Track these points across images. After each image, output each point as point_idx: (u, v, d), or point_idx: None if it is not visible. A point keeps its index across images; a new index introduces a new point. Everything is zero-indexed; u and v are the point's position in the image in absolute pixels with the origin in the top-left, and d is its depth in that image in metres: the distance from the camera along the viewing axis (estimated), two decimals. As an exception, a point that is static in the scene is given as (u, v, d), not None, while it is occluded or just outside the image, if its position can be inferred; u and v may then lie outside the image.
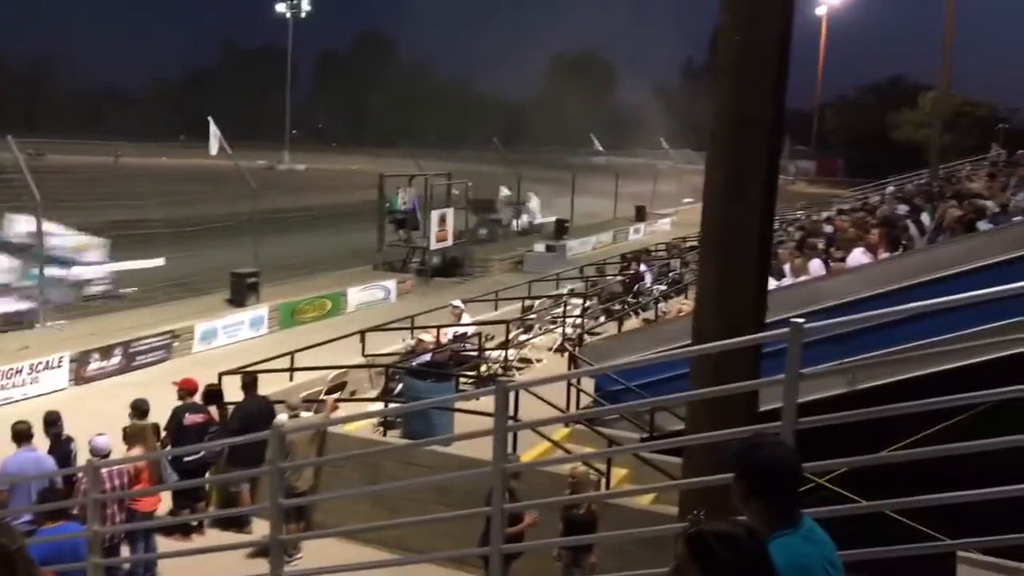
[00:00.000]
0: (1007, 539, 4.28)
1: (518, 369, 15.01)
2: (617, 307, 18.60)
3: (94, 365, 16.16)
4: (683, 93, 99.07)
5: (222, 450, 10.16)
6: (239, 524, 10.30)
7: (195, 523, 10.12)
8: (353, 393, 13.34)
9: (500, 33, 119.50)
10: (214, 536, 10.10)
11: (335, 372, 13.06)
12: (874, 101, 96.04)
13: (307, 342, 15.11)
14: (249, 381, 10.88)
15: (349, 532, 8.83)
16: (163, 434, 9.97)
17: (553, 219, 38.29)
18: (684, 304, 15.44)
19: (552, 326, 17.10)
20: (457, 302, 16.07)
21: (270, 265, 22.82)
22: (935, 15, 36.91)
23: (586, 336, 15.18)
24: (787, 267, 12.05)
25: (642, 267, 21.82)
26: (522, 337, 16.00)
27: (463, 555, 7.60)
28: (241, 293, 20.70)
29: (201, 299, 21.12)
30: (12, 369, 14.75)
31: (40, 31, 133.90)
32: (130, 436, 9.28)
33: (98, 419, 10.69)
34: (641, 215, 46.10)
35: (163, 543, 9.54)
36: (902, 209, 17.82)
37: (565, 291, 20.22)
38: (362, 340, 14.75)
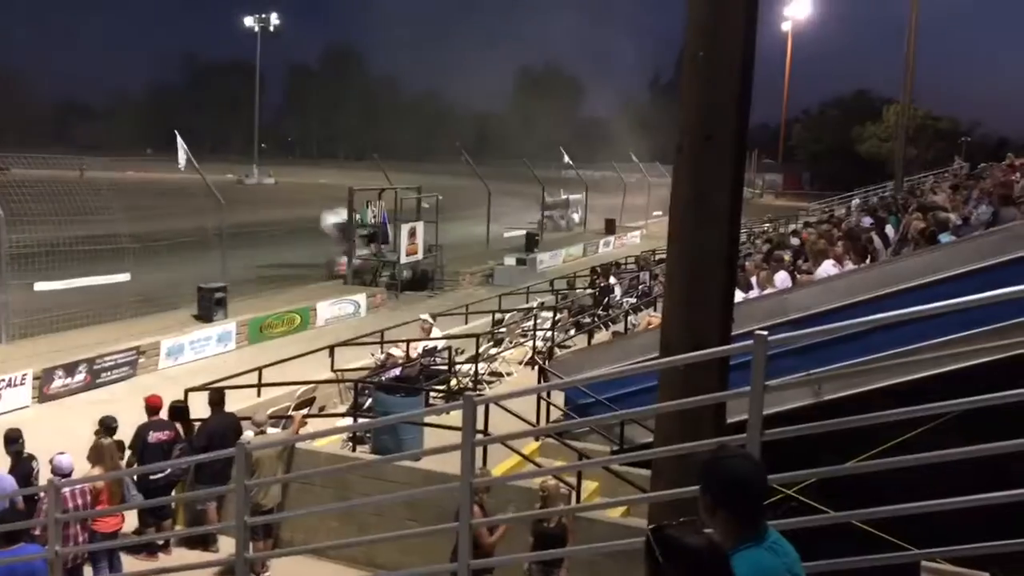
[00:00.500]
0: (972, 548, 4.32)
1: (488, 383, 14.99)
2: (587, 320, 18.66)
3: (58, 382, 15.91)
4: (652, 107, 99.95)
5: (188, 467, 10.05)
6: (206, 542, 10.19)
7: (161, 542, 9.97)
8: (322, 409, 13.26)
9: (469, 48, 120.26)
10: (181, 555, 9.97)
11: (304, 388, 12.97)
12: (839, 115, 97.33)
13: (276, 357, 14.98)
14: (216, 398, 10.76)
15: (318, 549, 8.75)
16: (127, 452, 9.83)
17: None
18: (653, 316, 15.51)
19: (522, 339, 17.10)
20: (426, 316, 16.01)
21: (238, 280, 22.64)
22: (898, 31, 37.53)
23: (556, 349, 15.21)
24: (754, 279, 12.16)
25: (612, 280, 21.91)
26: (492, 351, 15.98)
27: (432, 571, 7.54)
28: (208, 308, 20.48)
29: (168, 314, 20.89)
30: (-27, 387, 14.49)
31: (3, 45, 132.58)
32: (92, 454, 9.14)
33: (62, 437, 10.53)
34: (611, 228, 46.33)
35: (129, 563, 9.38)
36: (867, 221, 18.05)
37: (535, 304, 20.24)
38: (331, 355, 14.66)
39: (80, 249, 19.54)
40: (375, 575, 9.36)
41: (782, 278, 11.92)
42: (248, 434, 10.09)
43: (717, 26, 4.86)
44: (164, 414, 10.43)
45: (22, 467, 9.04)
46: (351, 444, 11.29)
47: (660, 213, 47.04)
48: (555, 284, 24.75)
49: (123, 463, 9.56)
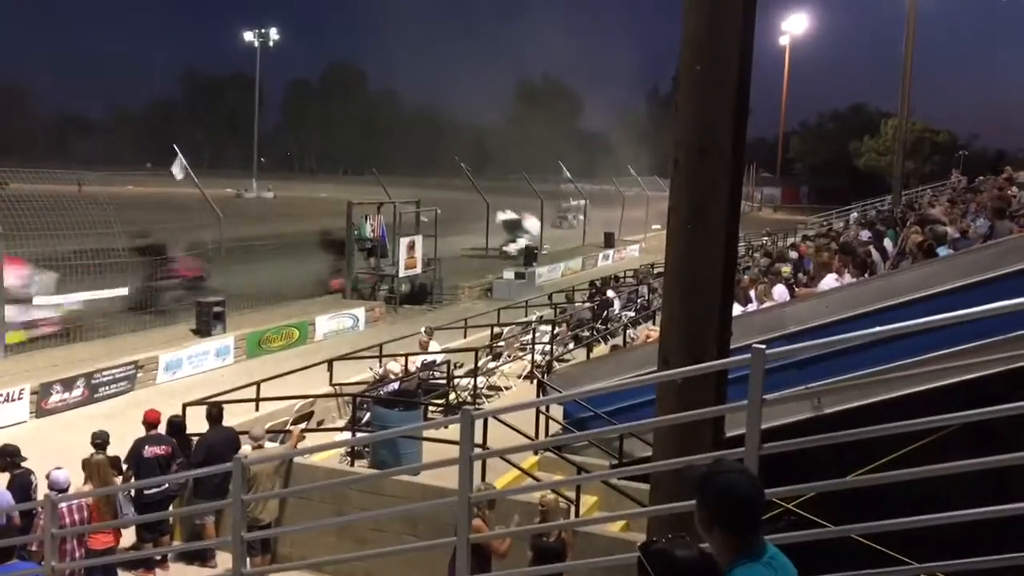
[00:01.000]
0: (974, 562, 4.30)
1: (487, 397, 14.97)
2: (586, 333, 18.65)
3: (56, 397, 15.87)
4: (650, 120, 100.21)
5: (186, 482, 10.02)
6: (203, 558, 10.14)
7: (158, 557, 9.93)
8: (320, 423, 13.23)
9: (468, 61, 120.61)
10: (178, 570, 9.94)
11: (302, 402, 12.95)
12: (837, 128, 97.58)
13: (274, 371, 14.97)
14: (214, 412, 10.74)
15: (316, 564, 8.71)
16: (124, 467, 9.80)
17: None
18: (652, 330, 15.51)
19: (521, 353, 17.09)
20: (424, 330, 16.04)
21: (237, 293, 22.64)
22: (895, 44, 37.65)
23: (555, 363, 15.20)
24: (752, 293, 12.16)
25: (611, 293, 21.92)
26: (491, 364, 15.97)
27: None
28: (207, 322, 20.47)
29: (166, 329, 20.88)
30: (-29, 402, 14.46)
31: (3, 60, 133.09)
32: (85, 470, 9.13)
33: (60, 452, 10.51)
34: (610, 241, 46.37)
35: (125, 579, 9.35)
36: (865, 235, 18.07)
37: (534, 318, 20.24)
38: (330, 369, 14.64)
39: (79, 263, 19.54)
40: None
41: (780, 291, 11.93)
42: (246, 448, 10.07)
43: (713, 40, 4.87)
44: (162, 428, 10.40)
45: (20, 482, 9.02)
46: (349, 458, 11.27)
47: (659, 226, 47.09)
48: (554, 298, 24.75)
49: (119, 479, 9.52)
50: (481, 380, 14.91)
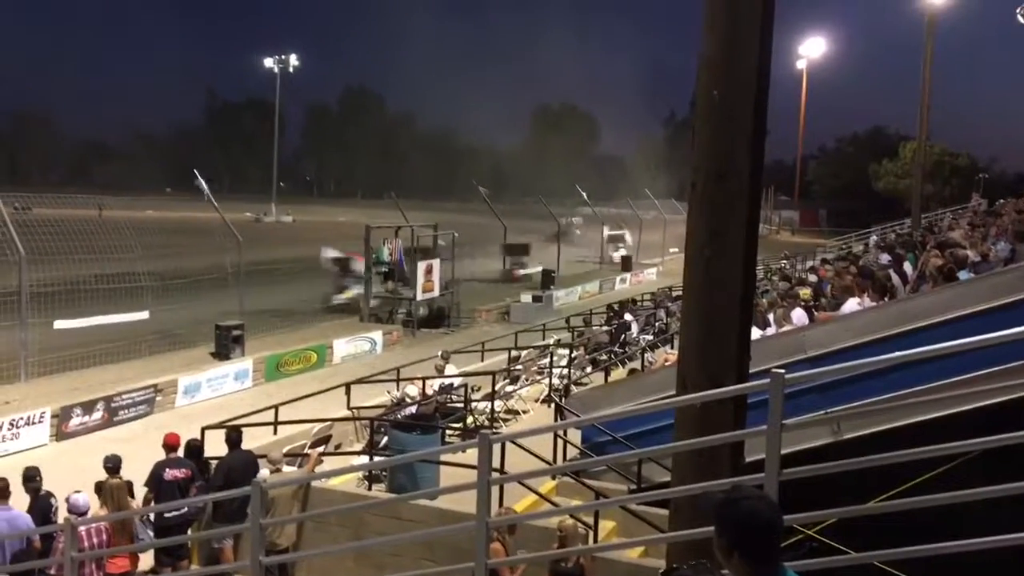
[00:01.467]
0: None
1: (505, 420, 14.94)
2: (603, 357, 18.58)
3: (76, 420, 15.96)
4: (667, 144, 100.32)
5: (204, 505, 10.03)
6: (221, 582, 10.13)
7: (177, 581, 9.92)
8: (338, 446, 13.23)
9: (486, 86, 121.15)
10: (195, 594, 9.92)
11: (320, 425, 12.95)
12: (855, 152, 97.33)
13: (292, 395, 15.01)
14: (234, 436, 10.76)
15: (333, 589, 8.68)
16: (144, 490, 9.83)
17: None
18: (670, 354, 15.43)
19: (539, 377, 17.05)
20: (441, 354, 16.09)
21: (255, 317, 22.75)
22: (913, 67, 37.62)
23: (573, 387, 15.14)
24: (771, 316, 12.10)
25: (628, 317, 21.86)
26: (508, 388, 15.94)
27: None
28: (226, 346, 20.59)
29: (185, 352, 21.00)
30: (-8, 425, 14.56)
31: (25, 86, 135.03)
32: (100, 494, 9.17)
33: (79, 475, 10.56)
34: (627, 265, 46.33)
35: (144, 602, 9.35)
36: (885, 258, 17.97)
37: (551, 341, 20.20)
38: (347, 392, 14.66)
39: (99, 287, 19.73)
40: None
41: (799, 315, 11.85)
42: (264, 472, 10.07)
43: (730, 64, 4.89)
44: (181, 452, 10.43)
45: (40, 505, 9.06)
46: (367, 482, 11.25)
47: (676, 250, 47.06)
48: (571, 321, 24.72)
49: (135, 502, 9.54)
50: (498, 404, 14.88)
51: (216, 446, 11.00)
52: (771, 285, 20.02)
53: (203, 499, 9.72)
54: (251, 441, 11.36)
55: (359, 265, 30.59)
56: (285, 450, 11.20)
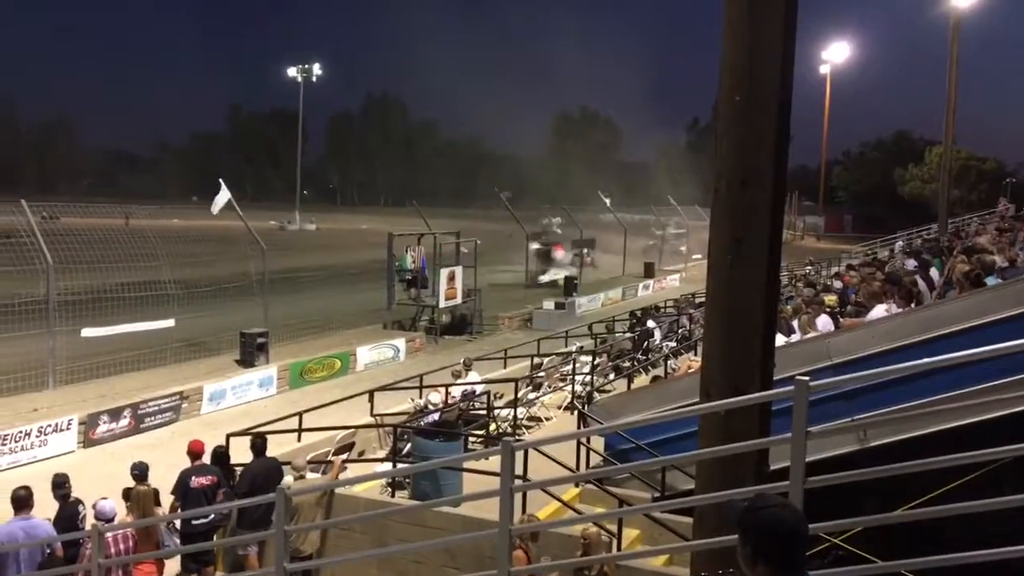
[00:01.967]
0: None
1: (527, 428, 14.92)
2: (626, 364, 18.53)
3: (103, 427, 16.12)
4: (690, 150, 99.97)
5: (229, 512, 10.08)
6: (246, 589, 10.16)
7: (202, 588, 9.97)
8: (361, 454, 13.27)
9: (508, 93, 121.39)
10: (221, 601, 9.97)
11: (343, 432, 13.00)
12: (880, 157, 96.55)
13: (316, 402, 15.07)
14: (258, 443, 10.82)
15: (357, 596, 8.70)
16: (171, 498, 9.89)
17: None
18: (694, 361, 15.36)
19: (561, 384, 17.02)
20: (464, 361, 16.11)
21: (280, 325, 22.87)
22: (938, 72, 37.32)
23: (595, 394, 15.10)
24: (795, 323, 12.01)
25: (651, 324, 21.78)
26: (531, 395, 15.92)
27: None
28: (250, 353, 20.72)
29: (210, 360, 21.15)
30: (21, 432, 14.72)
31: (51, 96, 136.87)
32: (128, 501, 9.24)
33: (106, 482, 10.66)
34: (650, 271, 46.18)
35: (170, 608, 9.41)
36: (911, 264, 17.81)
37: (574, 348, 20.16)
38: (370, 400, 14.71)
39: (126, 296, 19.91)
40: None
41: (824, 322, 11.75)
42: (288, 479, 10.12)
43: (753, 68, 4.86)
44: (207, 459, 10.49)
45: (68, 512, 9.14)
46: (390, 490, 11.27)
47: (699, 256, 46.84)
48: (594, 328, 24.66)
49: (161, 509, 9.61)
50: (521, 411, 14.87)
51: (241, 453, 11.06)
52: (795, 291, 19.88)
53: (228, 506, 9.78)
54: (275, 448, 11.42)
55: (559, 254, 42.23)
56: (309, 457, 11.26)
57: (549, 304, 33.14)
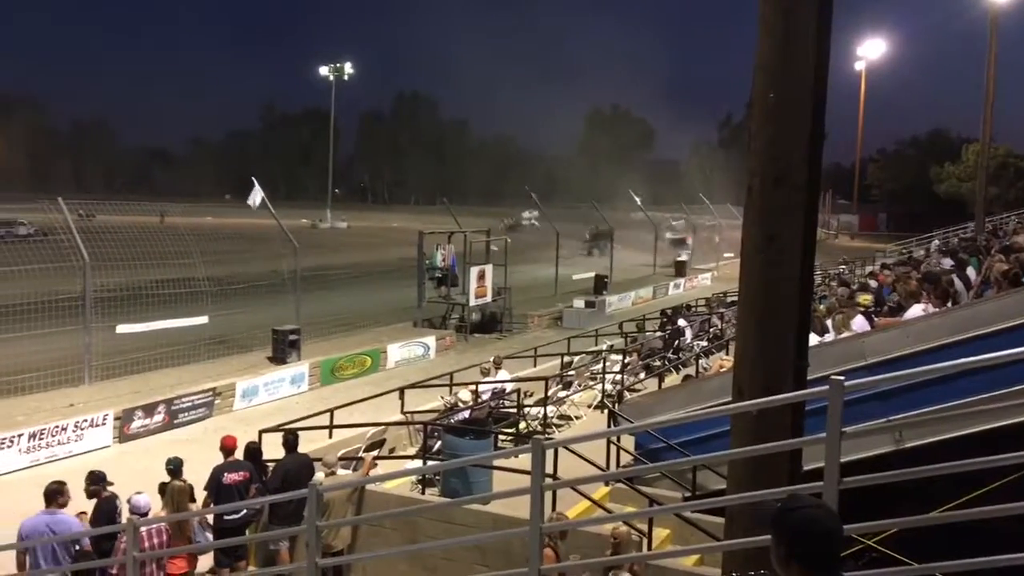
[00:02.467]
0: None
1: (557, 426, 14.90)
2: (657, 363, 18.45)
3: (137, 423, 16.32)
4: (723, 148, 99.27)
5: (262, 508, 10.16)
6: (278, 584, 10.24)
7: (235, 582, 10.06)
8: (392, 450, 13.32)
9: (538, 91, 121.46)
10: (253, 596, 10.04)
11: (374, 429, 13.06)
12: (916, 154, 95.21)
13: (347, 399, 15.16)
14: (290, 439, 10.90)
15: (387, 592, 8.73)
16: (204, 493, 9.99)
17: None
18: (725, 360, 15.25)
19: (592, 382, 16.99)
20: (493, 359, 16.13)
21: (311, 322, 23.03)
22: (975, 69, 36.79)
23: (626, 392, 15.05)
24: (829, 322, 11.87)
25: (682, 322, 21.67)
26: (561, 394, 15.91)
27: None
28: (282, 350, 20.89)
29: (243, 356, 21.34)
30: (57, 427, 14.95)
31: (88, 95, 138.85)
32: (164, 495, 9.35)
33: (140, 477, 10.79)
34: (681, 270, 45.95)
35: (203, 602, 9.50)
36: (947, 263, 17.55)
37: (604, 347, 20.11)
38: (401, 397, 14.76)
39: (160, 293, 20.16)
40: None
41: (859, 322, 11.60)
42: (319, 475, 10.18)
43: (787, 66, 4.81)
44: (239, 454, 10.59)
45: (106, 507, 9.25)
46: (420, 486, 11.30)
47: (731, 255, 46.56)
48: (624, 326, 24.56)
49: (195, 506, 9.70)
50: (551, 409, 14.86)
51: (273, 449, 11.15)
52: (829, 290, 19.68)
53: (260, 501, 9.86)
54: (307, 444, 11.50)
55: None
56: (340, 453, 11.32)
57: (579, 303, 33.07)
